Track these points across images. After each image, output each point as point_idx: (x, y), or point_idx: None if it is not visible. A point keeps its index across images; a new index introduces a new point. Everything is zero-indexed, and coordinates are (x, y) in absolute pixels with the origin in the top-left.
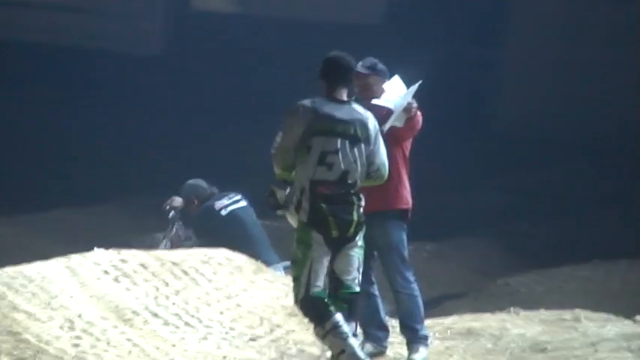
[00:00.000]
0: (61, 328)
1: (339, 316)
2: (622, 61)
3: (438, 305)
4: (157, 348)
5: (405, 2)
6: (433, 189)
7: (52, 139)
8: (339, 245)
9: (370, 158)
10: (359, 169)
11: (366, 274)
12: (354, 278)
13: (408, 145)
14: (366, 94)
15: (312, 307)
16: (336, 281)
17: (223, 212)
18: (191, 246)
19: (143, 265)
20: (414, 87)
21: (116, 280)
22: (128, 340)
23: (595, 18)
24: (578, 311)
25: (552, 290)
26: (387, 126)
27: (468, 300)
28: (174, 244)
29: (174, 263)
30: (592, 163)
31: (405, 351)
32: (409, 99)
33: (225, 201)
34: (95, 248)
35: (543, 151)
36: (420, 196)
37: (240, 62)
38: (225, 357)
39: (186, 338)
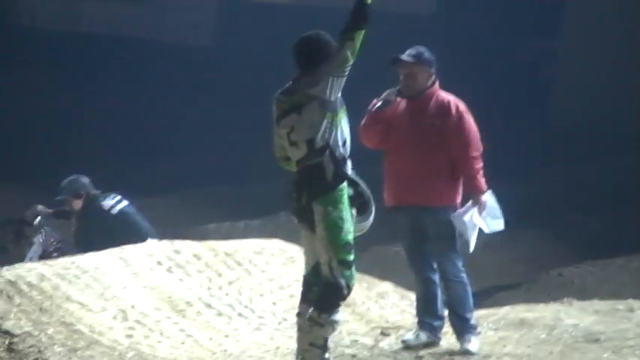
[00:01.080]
0: (114, 318)
1: (304, 308)
2: None
3: (490, 297)
4: (210, 339)
5: None
6: (487, 178)
7: (105, 131)
8: (308, 219)
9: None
10: (322, 129)
11: (425, 261)
12: (325, 263)
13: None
14: (410, 83)
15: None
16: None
17: (113, 211)
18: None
19: (196, 256)
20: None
21: (169, 270)
22: (181, 330)
23: None
24: (631, 301)
25: (605, 281)
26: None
27: (520, 291)
28: (47, 251)
29: (227, 254)
30: None
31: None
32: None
33: (109, 201)
34: (148, 238)
35: (597, 142)
36: None
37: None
38: (278, 348)
39: (239, 329)
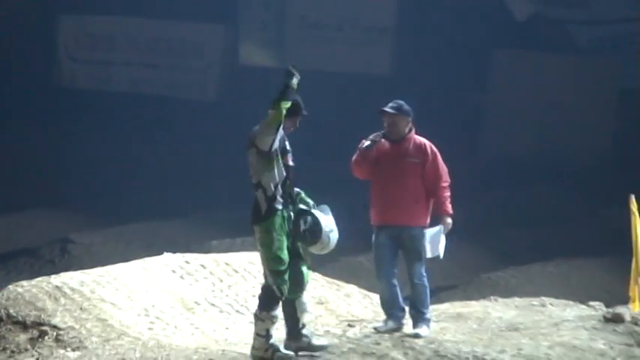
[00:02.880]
0: (139, 315)
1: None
2: None
3: (434, 295)
4: (214, 330)
5: None
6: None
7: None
8: None
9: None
10: (258, 168)
11: (390, 270)
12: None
13: (429, 180)
14: (392, 130)
15: None
16: None
17: None
18: None
19: (202, 266)
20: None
21: (182, 277)
22: (191, 324)
23: None
24: (544, 299)
25: (525, 282)
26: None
27: (458, 291)
28: None
29: (227, 264)
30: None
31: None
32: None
33: None
34: (165, 253)
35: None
36: None
37: None
38: None
39: (237, 323)
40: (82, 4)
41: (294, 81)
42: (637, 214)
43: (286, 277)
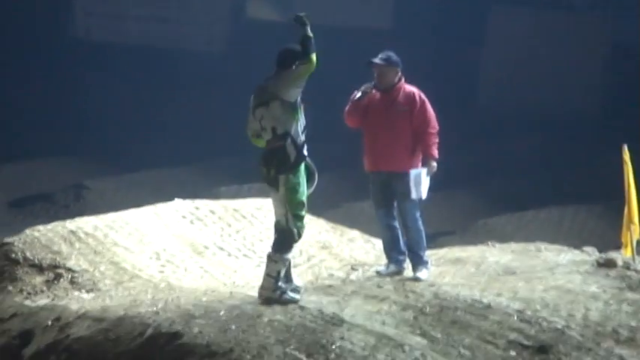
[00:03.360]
0: (150, 258)
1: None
2: None
3: (433, 240)
4: (223, 273)
5: None
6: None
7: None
8: (275, 186)
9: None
10: (283, 120)
11: (389, 214)
12: (281, 216)
13: (422, 123)
14: (382, 80)
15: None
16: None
17: None
18: None
19: (212, 211)
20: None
21: (191, 222)
22: (201, 267)
23: None
24: (539, 244)
25: (520, 228)
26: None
27: (455, 236)
28: None
29: (235, 209)
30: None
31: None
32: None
33: None
34: (176, 199)
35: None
36: None
37: None
38: None
39: (244, 266)
40: None
41: (309, 29)
42: (629, 162)
43: (305, 221)
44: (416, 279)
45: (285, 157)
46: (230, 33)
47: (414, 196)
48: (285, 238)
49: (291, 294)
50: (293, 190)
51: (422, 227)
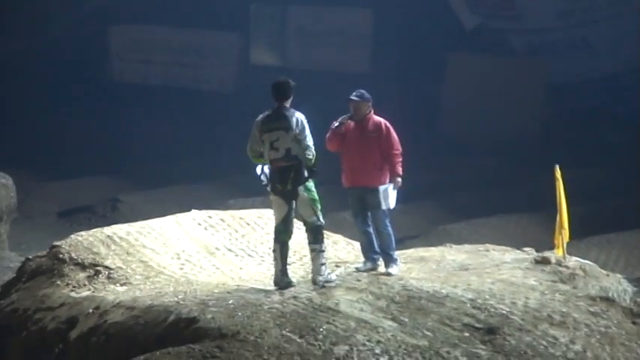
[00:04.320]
0: (172, 258)
1: (278, 246)
2: None
3: (401, 243)
4: (231, 270)
5: None
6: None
7: (169, 144)
8: (290, 196)
9: (299, 139)
10: (297, 146)
11: (365, 221)
12: (312, 216)
13: (388, 145)
14: (357, 112)
15: (274, 232)
16: (303, 221)
17: None
18: None
19: (222, 219)
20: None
21: (205, 229)
22: (213, 265)
23: None
24: (488, 245)
25: (473, 233)
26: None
27: (420, 239)
28: None
29: (241, 218)
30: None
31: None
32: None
33: None
34: (193, 209)
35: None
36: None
37: None
38: (272, 275)
39: (248, 264)
40: (128, 16)
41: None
42: (560, 179)
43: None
44: (388, 274)
45: (299, 174)
46: (237, 76)
47: (383, 207)
48: (319, 231)
49: (333, 276)
50: (312, 192)
51: (391, 232)
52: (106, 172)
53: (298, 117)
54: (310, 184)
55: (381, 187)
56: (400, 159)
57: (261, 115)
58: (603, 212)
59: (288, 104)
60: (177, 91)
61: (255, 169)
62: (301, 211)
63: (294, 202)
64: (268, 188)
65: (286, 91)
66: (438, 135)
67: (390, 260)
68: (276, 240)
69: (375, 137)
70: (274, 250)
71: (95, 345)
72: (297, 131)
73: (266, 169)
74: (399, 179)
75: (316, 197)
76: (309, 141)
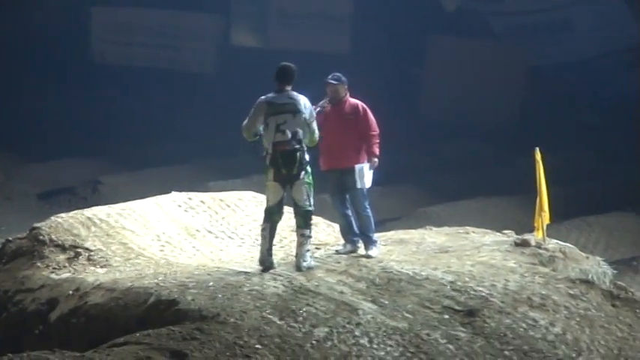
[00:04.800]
0: (153, 240)
1: (268, 225)
2: None
3: (382, 225)
4: (211, 252)
5: None
6: (380, 152)
7: (150, 125)
8: (290, 180)
9: (307, 122)
10: (302, 130)
11: (343, 204)
12: (305, 201)
13: (365, 127)
14: (334, 96)
15: (265, 212)
16: (295, 204)
17: None
18: None
19: (202, 201)
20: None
21: (186, 210)
22: (193, 247)
23: None
24: (468, 228)
25: (453, 215)
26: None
27: (400, 221)
28: None
29: (221, 200)
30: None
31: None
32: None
33: None
34: (173, 191)
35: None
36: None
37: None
38: (252, 257)
39: (229, 246)
40: None
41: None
42: (540, 162)
43: None
44: (368, 256)
45: (303, 158)
46: (218, 57)
47: (358, 185)
48: (309, 216)
49: (313, 263)
50: (310, 179)
51: (370, 214)
52: (86, 154)
53: (305, 101)
54: (309, 168)
55: (357, 166)
56: (377, 140)
57: (264, 97)
58: (583, 195)
59: (289, 88)
60: (158, 73)
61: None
62: (296, 194)
63: (289, 185)
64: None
65: (292, 76)
66: (419, 117)
67: (369, 242)
68: (266, 220)
69: (352, 120)
70: (264, 229)
71: (75, 326)
72: (307, 115)
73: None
74: (376, 160)
75: (312, 182)
76: (315, 124)
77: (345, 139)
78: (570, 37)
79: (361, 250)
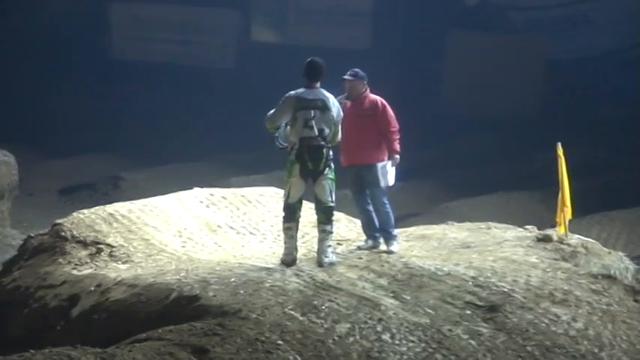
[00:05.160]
0: (174, 236)
1: (294, 224)
2: None
3: (403, 220)
4: (233, 248)
5: None
6: (401, 148)
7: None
8: (314, 175)
9: (334, 121)
10: (328, 127)
11: (364, 199)
12: (327, 197)
13: (385, 123)
14: (352, 92)
15: (286, 210)
16: (316, 200)
17: None
18: None
19: (224, 197)
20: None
21: (207, 206)
22: (215, 243)
23: None
24: (490, 223)
25: (474, 210)
26: (382, 183)
27: (422, 217)
28: None
29: (242, 196)
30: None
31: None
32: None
33: None
34: (194, 187)
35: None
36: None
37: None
38: (274, 252)
39: (250, 242)
40: None
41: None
42: (562, 156)
43: None
44: (389, 252)
45: (328, 154)
46: (238, 52)
47: (382, 184)
48: (331, 212)
49: (335, 258)
50: (332, 173)
51: (389, 209)
52: (107, 150)
53: (334, 99)
54: (332, 164)
55: (379, 164)
56: (397, 136)
57: (293, 92)
58: (605, 190)
59: (318, 85)
60: (179, 68)
61: (276, 138)
62: (318, 190)
63: (311, 180)
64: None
65: (321, 72)
66: (439, 112)
67: (389, 238)
68: (291, 219)
69: (371, 115)
70: (289, 228)
71: (97, 322)
72: (334, 113)
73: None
74: (397, 156)
75: (334, 178)
76: (340, 125)
77: (363, 135)
78: (589, 31)
79: (383, 246)
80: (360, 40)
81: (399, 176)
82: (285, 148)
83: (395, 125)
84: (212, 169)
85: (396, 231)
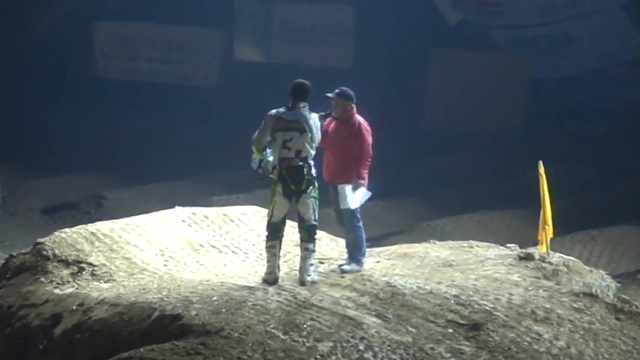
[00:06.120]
0: (156, 255)
1: (277, 242)
2: None
3: (386, 238)
4: (215, 267)
5: None
6: (384, 165)
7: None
8: (297, 195)
9: (313, 141)
10: (307, 148)
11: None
12: (310, 215)
13: (358, 148)
14: (335, 110)
15: (269, 228)
16: (299, 218)
17: None
18: None
19: (206, 216)
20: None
21: (190, 225)
22: (197, 262)
23: None
24: (472, 242)
25: (456, 229)
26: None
27: (404, 235)
28: None
29: (224, 214)
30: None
31: (368, 265)
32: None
33: None
34: (176, 206)
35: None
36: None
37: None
38: (256, 271)
39: (232, 261)
40: (112, 13)
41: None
42: (544, 175)
43: None
44: (342, 270)
45: (309, 173)
46: (221, 71)
47: (342, 206)
48: (314, 230)
49: (317, 277)
50: (316, 195)
51: (360, 233)
52: (90, 169)
53: (314, 120)
54: (316, 183)
55: (340, 186)
56: (367, 163)
57: (274, 111)
58: (587, 208)
59: (303, 105)
60: (162, 87)
61: (252, 161)
62: (301, 208)
63: (294, 198)
64: (274, 180)
65: (306, 93)
66: (422, 130)
67: (352, 259)
68: (274, 237)
69: (346, 137)
70: (272, 247)
71: (79, 341)
72: (313, 134)
73: (264, 163)
74: (361, 181)
75: (317, 196)
76: (317, 140)
77: (338, 154)
78: (572, 50)
79: (365, 265)
80: (343, 58)
81: (381, 194)
82: (257, 170)
83: (367, 152)
84: (194, 188)
85: (362, 256)
